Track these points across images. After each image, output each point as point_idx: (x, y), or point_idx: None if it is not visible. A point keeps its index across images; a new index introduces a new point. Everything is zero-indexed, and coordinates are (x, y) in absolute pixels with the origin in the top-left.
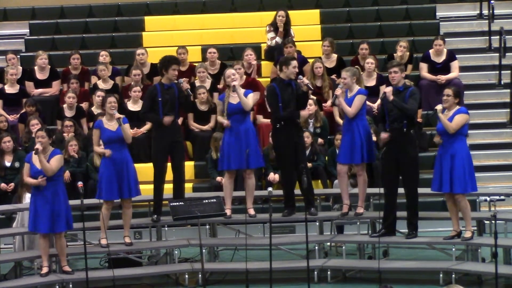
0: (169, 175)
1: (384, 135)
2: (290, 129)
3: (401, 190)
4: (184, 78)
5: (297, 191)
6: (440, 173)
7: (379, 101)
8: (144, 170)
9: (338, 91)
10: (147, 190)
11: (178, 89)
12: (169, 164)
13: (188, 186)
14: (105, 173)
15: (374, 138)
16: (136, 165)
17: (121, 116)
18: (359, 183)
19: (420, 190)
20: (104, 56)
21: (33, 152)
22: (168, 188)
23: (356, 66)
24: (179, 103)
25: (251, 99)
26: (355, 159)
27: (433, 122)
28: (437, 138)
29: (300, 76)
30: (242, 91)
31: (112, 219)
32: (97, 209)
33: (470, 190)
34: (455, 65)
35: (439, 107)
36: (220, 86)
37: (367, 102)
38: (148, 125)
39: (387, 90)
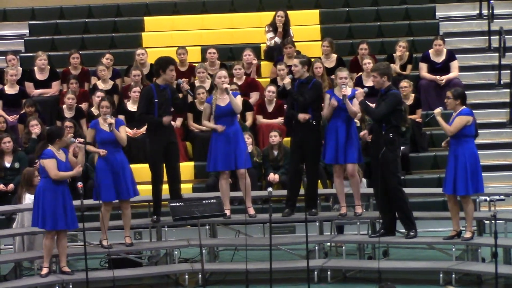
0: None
1: (361, 133)
2: (301, 128)
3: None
4: (184, 79)
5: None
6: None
7: None
8: (144, 170)
9: (347, 91)
10: (146, 191)
11: (171, 90)
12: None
13: (187, 186)
14: (101, 175)
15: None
16: (136, 166)
17: (113, 121)
18: (352, 184)
19: (420, 190)
20: (109, 60)
21: (53, 146)
22: (166, 188)
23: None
24: (172, 104)
25: (240, 101)
26: (340, 159)
27: (433, 122)
28: (444, 143)
29: (290, 75)
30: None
31: (112, 220)
32: (97, 209)
33: (472, 191)
34: (454, 65)
35: (437, 110)
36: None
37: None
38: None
39: (358, 91)
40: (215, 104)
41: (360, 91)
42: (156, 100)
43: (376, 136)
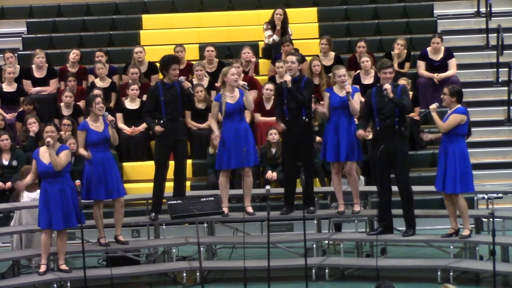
0: (169, 173)
1: (360, 132)
2: (294, 126)
3: (394, 188)
4: (186, 81)
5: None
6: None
7: None
8: (142, 168)
9: (349, 88)
10: (145, 189)
11: (181, 87)
12: (171, 162)
13: (186, 184)
14: (90, 174)
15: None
16: (134, 164)
17: (113, 118)
18: (350, 182)
19: (418, 188)
20: (99, 57)
21: (44, 146)
22: (167, 186)
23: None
24: (182, 101)
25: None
26: (341, 157)
27: (431, 120)
28: (425, 135)
29: (287, 74)
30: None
31: (111, 218)
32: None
33: (460, 190)
34: (452, 63)
35: (433, 106)
36: (218, 84)
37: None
38: (145, 124)
39: (387, 87)
40: (224, 102)
41: (389, 87)
42: (162, 99)
43: (386, 131)
